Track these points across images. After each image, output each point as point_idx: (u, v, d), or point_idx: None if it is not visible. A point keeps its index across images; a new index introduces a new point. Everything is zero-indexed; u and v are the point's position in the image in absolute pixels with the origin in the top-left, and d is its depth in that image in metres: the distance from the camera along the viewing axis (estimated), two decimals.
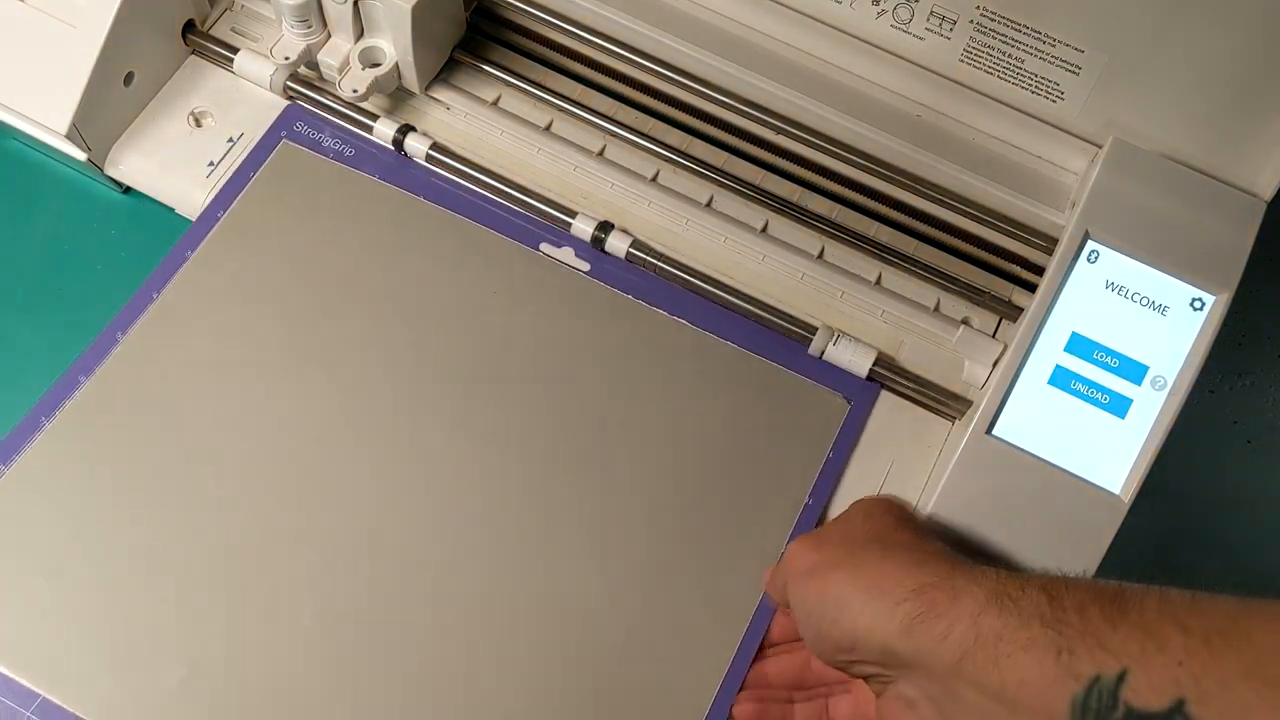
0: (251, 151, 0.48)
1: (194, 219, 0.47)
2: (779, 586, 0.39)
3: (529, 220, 0.48)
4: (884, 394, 0.46)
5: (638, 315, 0.46)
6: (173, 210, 0.49)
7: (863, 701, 0.38)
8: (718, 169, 0.49)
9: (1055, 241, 0.44)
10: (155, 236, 0.48)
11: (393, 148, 0.48)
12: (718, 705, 0.40)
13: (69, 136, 0.46)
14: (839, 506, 0.44)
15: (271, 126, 0.49)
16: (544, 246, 0.47)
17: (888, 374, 0.45)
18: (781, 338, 0.46)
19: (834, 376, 0.46)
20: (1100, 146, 0.45)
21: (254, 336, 0.45)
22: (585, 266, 0.47)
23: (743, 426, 0.45)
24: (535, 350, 0.45)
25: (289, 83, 0.49)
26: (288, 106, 0.49)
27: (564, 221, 0.47)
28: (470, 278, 0.46)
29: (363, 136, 0.49)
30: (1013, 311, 0.47)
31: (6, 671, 0.39)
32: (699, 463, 0.44)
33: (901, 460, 0.45)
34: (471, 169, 0.48)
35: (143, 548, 0.41)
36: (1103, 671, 0.28)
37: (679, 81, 0.49)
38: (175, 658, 0.40)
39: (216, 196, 0.47)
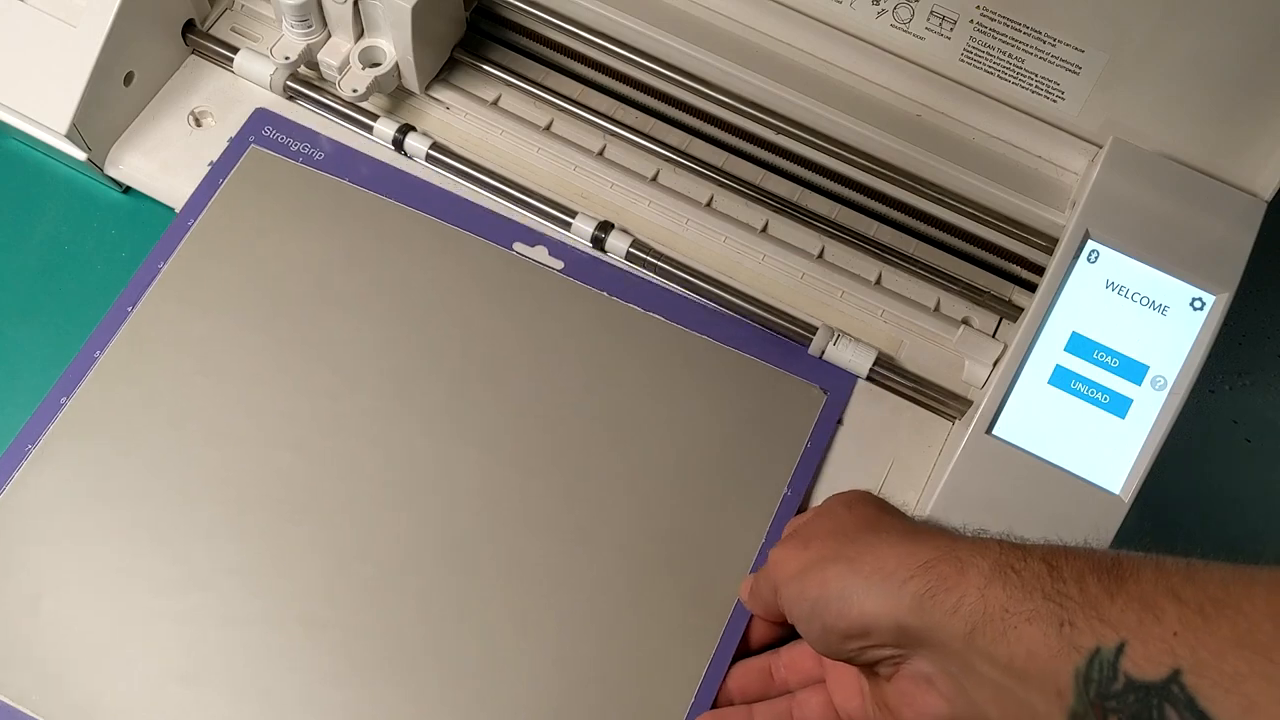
0: (220, 158, 0.48)
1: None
2: (765, 594, 0.38)
3: (500, 219, 0.48)
4: (884, 394, 0.46)
5: (614, 312, 0.46)
6: (173, 210, 0.49)
7: (843, 698, 0.37)
8: (718, 169, 0.49)
9: (1055, 241, 0.44)
10: (155, 237, 0.48)
11: (392, 147, 0.48)
12: (700, 699, 0.40)
13: (69, 136, 0.46)
14: (820, 497, 0.44)
15: (239, 132, 0.49)
16: (517, 245, 0.47)
17: (888, 374, 0.45)
18: (772, 334, 0.46)
19: (811, 368, 0.45)
20: (1100, 146, 0.45)
21: (231, 347, 0.45)
22: (559, 265, 0.47)
23: (721, 419, 0.45)
24: (512, 349, 0.45)
25: (289, 82, 0.49)
26: (256, 110, 0.49)
27: (564, 221, 0.47)
28: (448, 277, 0.46)
29: (333, 139, 0.49)
30: (1013, 311, 0.47)
31: (6, 700, 0.39)
32: (679, 457, 0.44)
33: (901, 460, 0.45)
34: (470, 168, 0.48)
35: (137, 566, 0.41)
36: (1102, 643, 0.28)
37: (679, 81, 0.49)
38: (173, 674, 0.40)
39: (186, 204, 0.47)
